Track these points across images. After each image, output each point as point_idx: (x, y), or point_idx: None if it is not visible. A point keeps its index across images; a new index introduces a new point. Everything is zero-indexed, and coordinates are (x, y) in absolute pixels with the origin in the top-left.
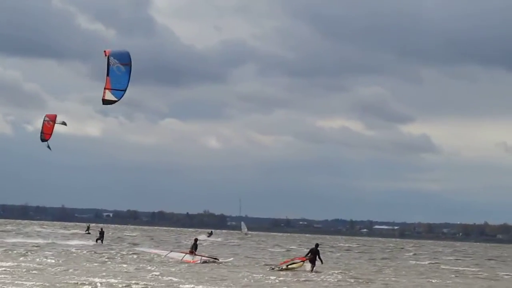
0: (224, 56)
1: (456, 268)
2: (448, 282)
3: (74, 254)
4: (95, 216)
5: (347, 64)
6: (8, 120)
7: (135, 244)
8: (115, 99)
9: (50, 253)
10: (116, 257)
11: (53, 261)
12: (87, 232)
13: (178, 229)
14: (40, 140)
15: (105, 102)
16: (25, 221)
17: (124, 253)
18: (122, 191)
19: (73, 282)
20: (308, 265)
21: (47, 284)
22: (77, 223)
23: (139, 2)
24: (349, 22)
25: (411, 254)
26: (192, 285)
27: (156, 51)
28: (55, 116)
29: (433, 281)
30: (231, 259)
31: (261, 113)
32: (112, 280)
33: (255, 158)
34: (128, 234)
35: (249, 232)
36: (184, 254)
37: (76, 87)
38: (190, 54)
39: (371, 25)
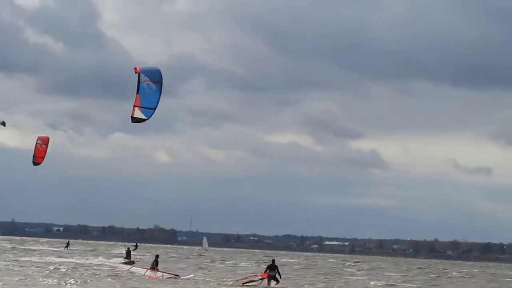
0: (173, 70)
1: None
2: None
3: None
4: (45, 230)
5: (297, 79)
6: None
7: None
8: (145, 117)
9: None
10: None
11: None
12: (66, 247)
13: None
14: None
15: (134, 120)
16: None
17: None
18: (72, 206)
19: None
20: (265, 282)
21: None
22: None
23: (88, 15)
24: (300, 38)
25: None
26: None
27: (105, 65)
28: (48, 138)
29: None
30: (192, 275)
31: (211, 127)
32: None
33: (206, 172)
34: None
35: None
36: (145, 270)
37: (24, 100)
38: None
39: (322, 41)
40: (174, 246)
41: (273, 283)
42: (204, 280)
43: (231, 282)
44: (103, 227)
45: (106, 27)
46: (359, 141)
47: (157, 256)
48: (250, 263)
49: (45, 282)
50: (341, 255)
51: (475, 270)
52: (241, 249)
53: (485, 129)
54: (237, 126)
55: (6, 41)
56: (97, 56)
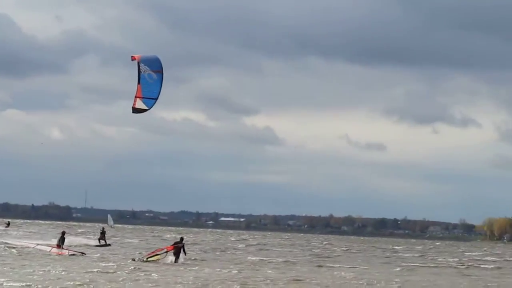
0: (65, 47)
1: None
2: None
3: None
4: None
5: (190, 56)
6: None
7: None
8: (146, 108)
9: None
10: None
11: None
12: (6, 226)
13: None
14: None
15: (135, 110)
16: None
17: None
18: None
19: None
20: (170, 257)
21: None
22: None
23: None
24: (192, 15)
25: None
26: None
27: None
28: None
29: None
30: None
31: (104, 104)
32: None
33: (100, 149)
34: None
35: (115, 225)
36: (51, 248)
37: None
38: (31, 44)
39: (214, 18)
40: (69, 223)
41: (180, 259)
42: (110, 257)
43: (137, 258)
44: None
45: None
46: (253, 117)
47: (63, 233)
48: (156, 240)
49: None
50: (238, 231)
51: (364, 246)
52: (139, 226)
53: (378, 105)
54: (129, 102)
55: None
56: None
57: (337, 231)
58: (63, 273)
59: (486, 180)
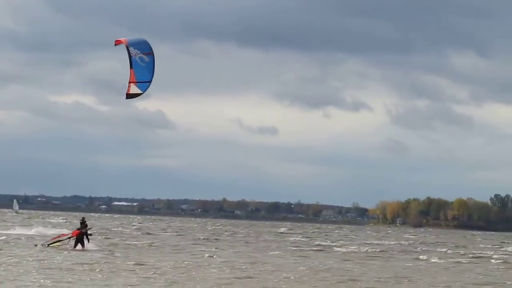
0: None
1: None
2: None
3: None
4: None
5: (79, 39)
6: None
7: None
8: (140, 92)
9: None
10: None
11: None
12: None
13: None
14: None
15: (129, 96)
16: None
17: None
18: None
19: None
20: (73, 242)
21: None
22: None
23: None
24: None
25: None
26: None
27: None
28: None
29: None
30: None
31: None
32: None
33: None
34: None
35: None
36: None
37: None
38: None
39: (103, 1)
40: None
41: (79, 246)
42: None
43: (40, 244)
44: None
45: None
46: (144, 101)
47: None
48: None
49: None
50: (131, 215)
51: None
52: (32, 211)
53: (270, 89)
54: (20, 86)
55: None
56: None
57: (230, 215)
58: None
59: (378, 164)
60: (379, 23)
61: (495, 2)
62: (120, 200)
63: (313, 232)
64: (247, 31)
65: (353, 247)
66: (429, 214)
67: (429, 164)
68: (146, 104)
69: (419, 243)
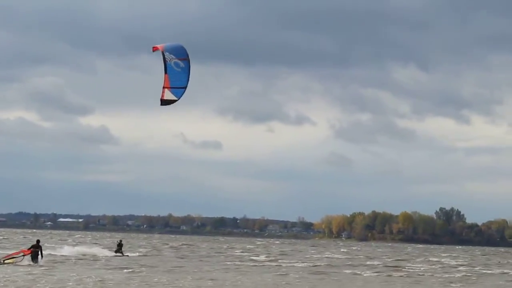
0: None
1: None
2: None
3: None
4: None
5: (22, 55)
6: None
7: None
8: (175, 98)
9: None
10: None
11: None
12: None
13: None
14: None
15: (164, 102)
16: None
17: None
18: None
19: None
20: (26, 260)
21: None
22: None
23: None
24: (22, 13)
25: None
26: None
27: None
28: None
29: None
30: None
31: None
32: None
33: None
34: None
35: None
36: None
37: None
38: None
39: (45, 17)
40: None
41: (36, 260)
42: None
43: None
44: None
45: None
46: (88, 116)
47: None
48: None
49: None
50: (77, 232)
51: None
52: None
53: (212, 104)
54: None
55: None
56: None
57: (176, 230)
58: None
59: (323, 178)
60: (321, 37)
61: (432, 15)
62: (65, 216)
63: (250, 248)
64: (188, 45)
65: (287, 261)
66: (374, 228)
67: (373, 177)
68: (90, 120)
69: (352, 257)
